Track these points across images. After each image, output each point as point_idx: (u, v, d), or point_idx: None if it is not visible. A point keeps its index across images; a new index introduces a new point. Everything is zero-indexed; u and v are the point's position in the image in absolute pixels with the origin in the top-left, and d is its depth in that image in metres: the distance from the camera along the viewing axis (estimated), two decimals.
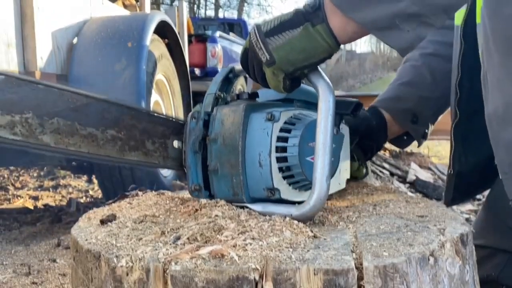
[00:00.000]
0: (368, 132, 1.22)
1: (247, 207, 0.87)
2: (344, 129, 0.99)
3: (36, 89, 0.85)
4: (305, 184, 0.87)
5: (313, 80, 0.86)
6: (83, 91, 0.91)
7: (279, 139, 0.85)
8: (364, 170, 1.21)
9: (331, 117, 0.82)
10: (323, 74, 0.86)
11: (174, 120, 1.03)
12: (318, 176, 0.81)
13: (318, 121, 0.82)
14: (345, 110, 0.92)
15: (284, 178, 0.86)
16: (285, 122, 0.87)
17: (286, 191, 0.86)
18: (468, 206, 4.34)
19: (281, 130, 0.86)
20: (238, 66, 1.01)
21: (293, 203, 0.84)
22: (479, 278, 0.93)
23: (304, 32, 0.83)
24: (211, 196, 0.92)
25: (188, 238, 0.72)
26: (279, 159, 0.85)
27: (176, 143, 1.00)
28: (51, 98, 0.87)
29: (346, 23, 0.82)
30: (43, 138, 0.85)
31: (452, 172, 1.25)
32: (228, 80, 1.00)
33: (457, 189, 1.27)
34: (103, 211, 0.94)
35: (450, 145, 1.25)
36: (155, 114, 1.01)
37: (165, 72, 3.82)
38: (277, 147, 0.85)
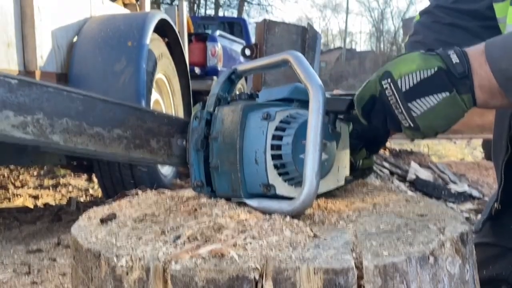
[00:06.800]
0: (375, 140, 1.22)
1: (245, 203, 0.88)
2: (343, 127, 0.99)
3: (46, 91, 0.89)
4: (299, 181, 0.88)
5: (304, 80, 0.87)
6: (90, 93, 0.94)
7: (274, 137, 0.87)
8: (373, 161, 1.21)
9: (321, 116, 0.83)
10: (314, 73, 0.87)
11: (178, 119, 1.05)
12: (308, 173, 0.81)
13: (308, 120, 0.83)
14: (340, 108, 0.93)
15: (279, 174, 0.88)
16: (281, 121, 0.88)
17: (281, 187, 0.88)
18: (468, 205, 4.34)
19: (277, 128, 0.87)
20: (240, 67, 1.02)
21: (289, 198, 0.85)
22: (488, 277, 0.92)
23: (451, 100, 0.80)
24: (213, 192, 0.94)
25: (188, 237, 0.72)
26: (274, 157, 0.87)
27: (180, 142, 1.03)
28: (60, 100, 0.90)
29: (492, 98, 0.81)
30: (53, 137, 0.88)
31: (499, 207, 1.22)
32: (231, 81, 1.02)
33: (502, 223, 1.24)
34: (103, 210, 0.94)
35: (499, 180, 1.22)
36: (160, 114, 1.02)
37: (165, 71, 3.82)
38: (272, 145, 0.86)
